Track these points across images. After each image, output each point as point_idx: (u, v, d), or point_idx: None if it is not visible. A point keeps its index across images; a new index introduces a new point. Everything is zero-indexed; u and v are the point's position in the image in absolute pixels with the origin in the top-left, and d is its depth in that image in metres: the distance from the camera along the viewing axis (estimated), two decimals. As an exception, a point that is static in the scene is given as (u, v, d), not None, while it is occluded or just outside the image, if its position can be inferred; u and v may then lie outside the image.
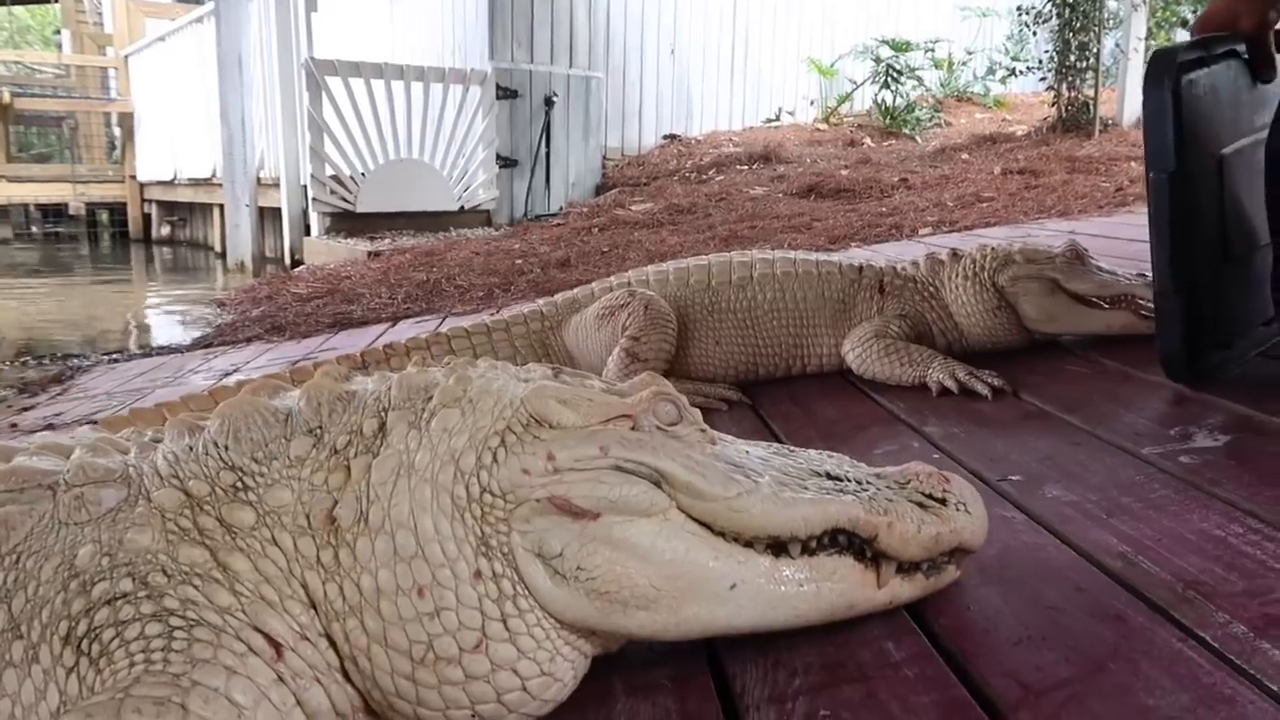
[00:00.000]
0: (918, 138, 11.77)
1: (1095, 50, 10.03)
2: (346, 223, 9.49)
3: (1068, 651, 1.17)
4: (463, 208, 10.13)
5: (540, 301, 2.85)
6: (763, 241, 6.09)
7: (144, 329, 8.06)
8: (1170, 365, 2.10)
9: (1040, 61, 10.71)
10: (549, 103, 10.75)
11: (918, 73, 13.08)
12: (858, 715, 1.11)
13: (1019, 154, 9.29)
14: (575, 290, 2.85)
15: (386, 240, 9.00)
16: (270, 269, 10.39)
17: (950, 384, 2.31)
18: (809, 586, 1.19)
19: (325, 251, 8.96)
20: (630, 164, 11.64)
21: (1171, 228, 1.97)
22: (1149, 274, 2.21)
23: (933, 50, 13.26)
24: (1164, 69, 1.94)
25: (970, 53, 14.09)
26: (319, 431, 1.15)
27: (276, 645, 1.04)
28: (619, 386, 1.28)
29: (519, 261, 6.77)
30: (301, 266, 8.88)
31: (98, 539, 1.06)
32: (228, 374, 4.24)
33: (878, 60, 12.77)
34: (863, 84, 13.14)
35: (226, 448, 1.14)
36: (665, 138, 12.44)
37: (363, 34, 11.32)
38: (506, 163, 10.51)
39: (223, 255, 11.85)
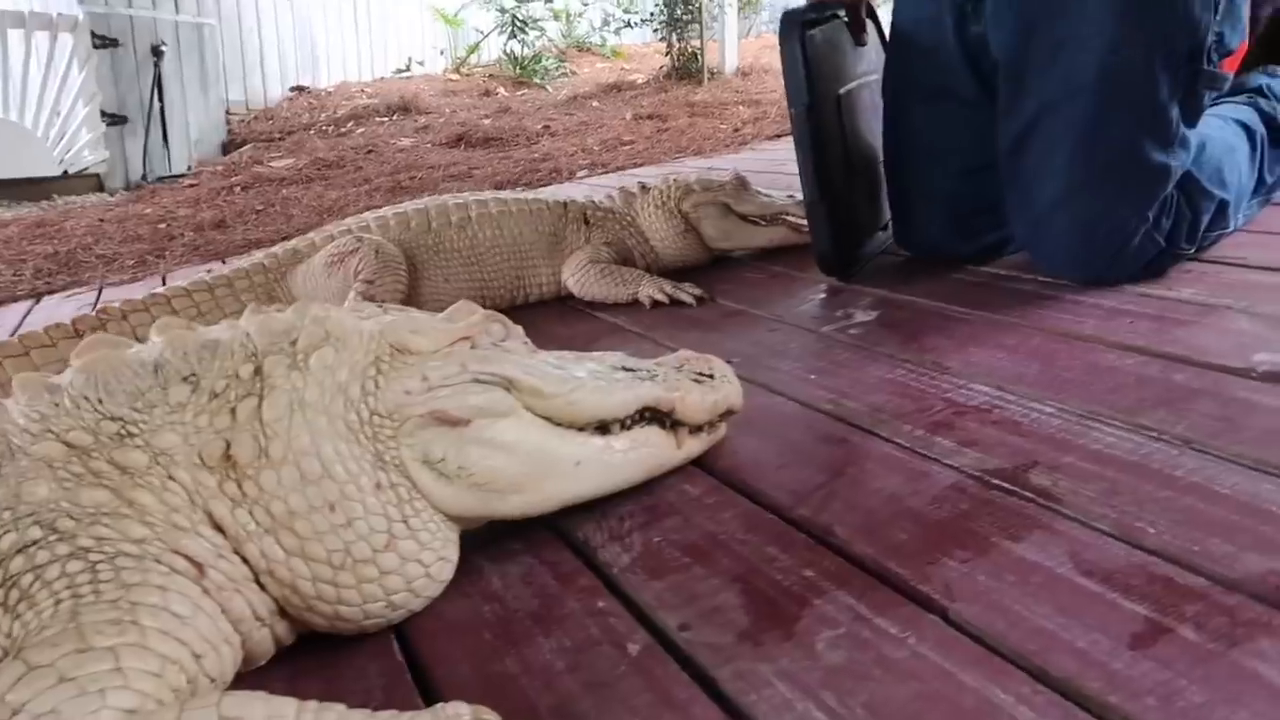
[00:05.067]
0: (548, 87, 12.28)
1: (698, 5, 11.09)
2: (-81, 195, 8.08)
3: (816, 466, 1.59)
4: (66, 172, 9.00)
5: (259, 254, 2.83)
6: (428, 191, 6.18)
7: None
8: (822, 262, 2.64)
9: (651, 14, 11.61)
10: (157, 52, 9.78)
11: (540, 24, 13.56)
12: (684, 536, 1.43)
13: (643, 100, 10.10)
14: (294, 240, 2.87)
15: (-23, 213, 7.80)
16: None
17: (660, 297, 2.70)
18: (632, 454, 1.50)
19: (-105, 230, 7.58)
20: (258, 118, 10.97)
21: (813, 150, 2.49)
22: (797, 195, 2.75)
23: (552, 1, 13.80)
24: (793, 26, 2.45)
25: (585, 4, 14.82)
26: (194, 379, 1.23)
27: (198, 565, 1.13)
28: (442, 315, 1.47)
29: (162, 226, 6.27)
30: None
31: None
32: None
33: (502, 10, 13.06)
34: (489, 34, 13.38)
35: (101, 400, 1.19)
36: (293, 89, 11.84)
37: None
38: (114, 120, 9.46)
39: None
